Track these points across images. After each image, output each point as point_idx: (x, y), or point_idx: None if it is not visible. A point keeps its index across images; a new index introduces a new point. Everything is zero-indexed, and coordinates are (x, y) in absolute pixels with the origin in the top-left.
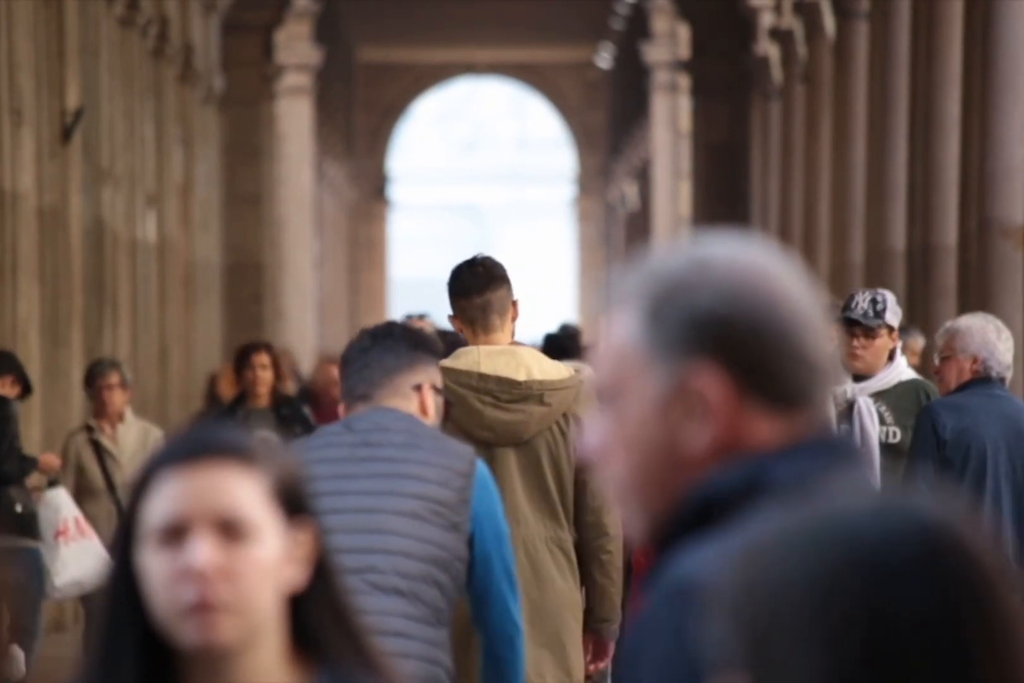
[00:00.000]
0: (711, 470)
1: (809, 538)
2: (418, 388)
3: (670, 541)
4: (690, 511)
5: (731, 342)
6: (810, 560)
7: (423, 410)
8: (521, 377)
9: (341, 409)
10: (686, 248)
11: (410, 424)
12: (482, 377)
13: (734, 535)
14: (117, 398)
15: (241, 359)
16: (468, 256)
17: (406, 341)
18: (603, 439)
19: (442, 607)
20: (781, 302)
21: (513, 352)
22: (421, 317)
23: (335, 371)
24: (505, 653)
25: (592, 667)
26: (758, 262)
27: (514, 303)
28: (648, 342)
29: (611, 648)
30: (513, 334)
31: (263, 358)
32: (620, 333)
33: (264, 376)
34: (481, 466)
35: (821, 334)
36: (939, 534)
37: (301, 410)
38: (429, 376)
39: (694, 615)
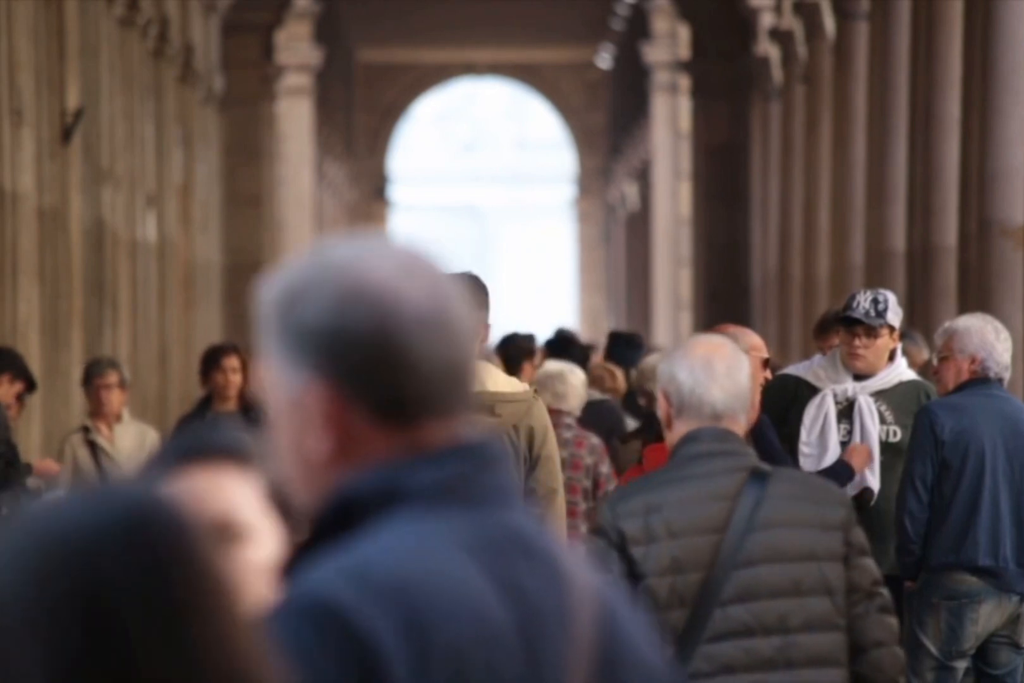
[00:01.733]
0: (346, 477)
1: (17, 535)
2: None
3: (314, 543)
4: (328, 515)
5: (339, 355)
6: (18, 557)
7: None
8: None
9: None
10: (314, 253)
11: None
12: None
13: (358, 547)
14: (114, 398)
15: (209, 361)
16: (457, 270)
17: None
18: (272, 440)
19: None
20: (391, 312)
21: None
22: None
23: None
24: None
25: None
26: (374, 270)
27: (486, 326)
28: (277, 353)
29: None
30: (479, 353)
31: (233, 361)
32: (266, 345)
33: (234, 379)
34: None
35: (445, 341)
36: (140, 511)
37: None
38: None
39: (311, 635)
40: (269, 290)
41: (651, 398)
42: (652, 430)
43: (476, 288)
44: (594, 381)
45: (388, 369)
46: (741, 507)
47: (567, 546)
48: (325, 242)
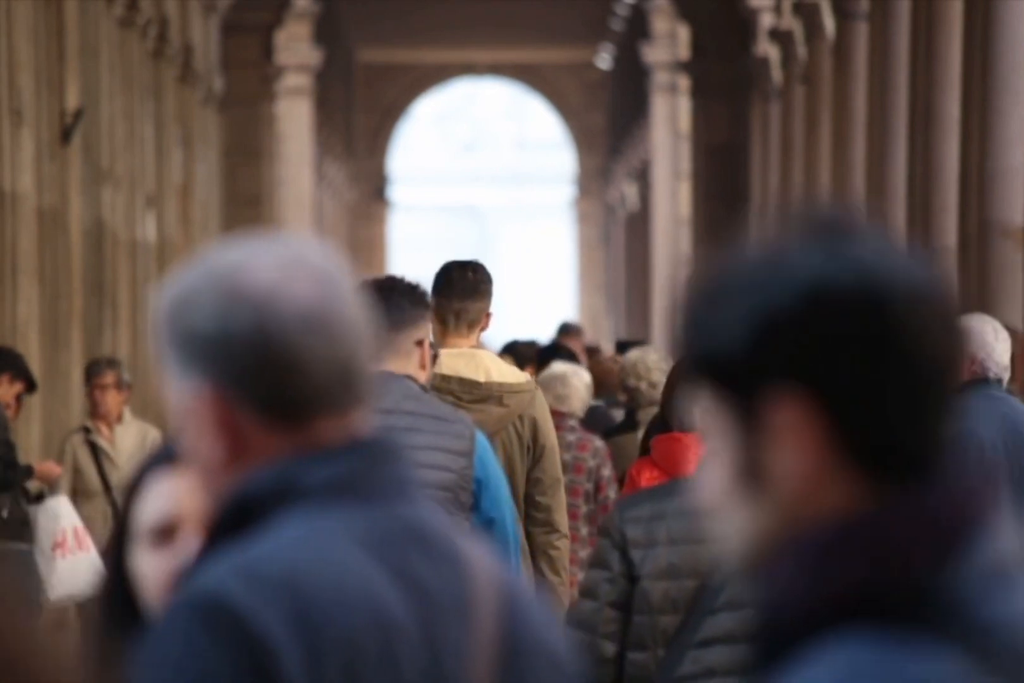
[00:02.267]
0: (242, 476)
1: None
2: (420, 343)
3: (213, 541)
4: (225, 516)
5: (224, 360)
6: None
7: (422, 365)
8: (481, 378)
9: None
10: (201, 260)
11: (411, 403)
12: (444, 378)
13: (252, 545)
14: (110, 398)
15: None
16: (465, 257)
17: (408, 297)
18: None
19: None
20: (273, 314)
21: (473, 354)
22: None
23: None
24: None
25: None
26: (256, 272)
27: (488, 315)
28: (169, 362)
29: None
30: (478, 341)
31: None
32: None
33: None
34: (480, 439)
35: (331, 340)
36: None
37: None
38: (426, 331)
39: (203, 632)
40: (160, 300)
41: (632, 394)
42: (633, 425)
43: (480, 276)
44: (605, 374)
45: (273, 370)
46: None
47: (468, 538)
48: (213, 249)
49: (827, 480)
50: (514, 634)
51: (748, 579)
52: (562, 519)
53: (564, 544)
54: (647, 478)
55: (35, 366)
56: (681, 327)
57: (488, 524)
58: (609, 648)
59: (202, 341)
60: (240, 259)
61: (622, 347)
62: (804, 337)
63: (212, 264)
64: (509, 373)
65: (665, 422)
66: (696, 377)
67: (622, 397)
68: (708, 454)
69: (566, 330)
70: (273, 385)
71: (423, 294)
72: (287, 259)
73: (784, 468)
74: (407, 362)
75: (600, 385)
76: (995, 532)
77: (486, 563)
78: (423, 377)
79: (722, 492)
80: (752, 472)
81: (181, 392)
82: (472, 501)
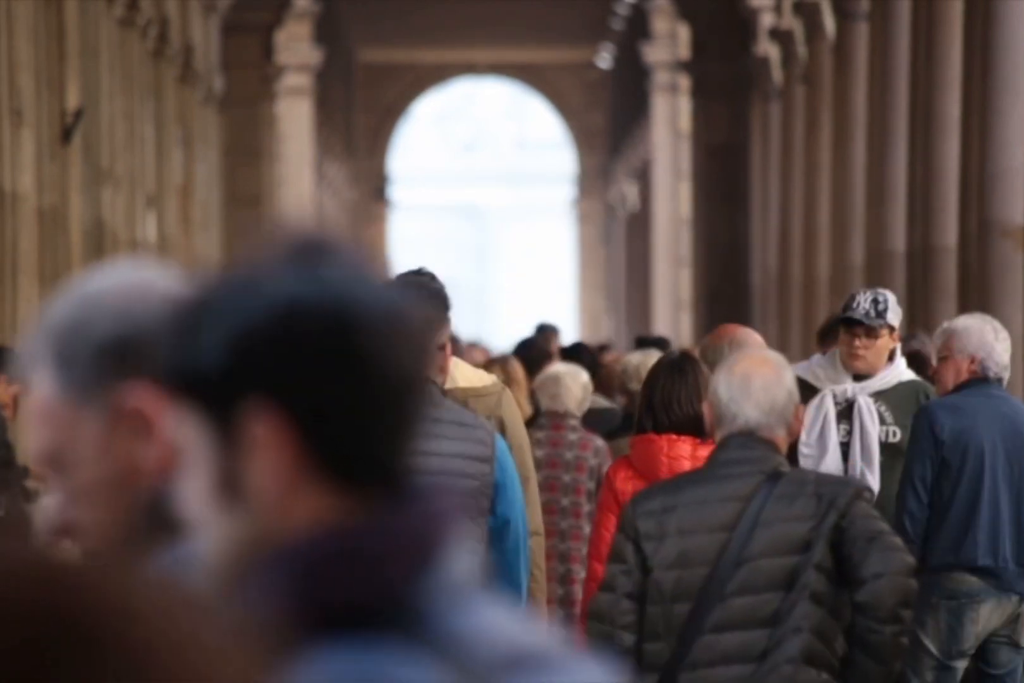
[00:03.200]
0: (168, 481)
1: None
2: (443, 347)
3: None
4: (145, 521)
5: (143, 356)
6: None
7: (441, 369)
8: (446, 385)
9: None
10: (70, 293)
11: (435, 410)
12: None
13: (181, 547)
14: None
15: None
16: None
17: (434, 300)
18: (65, 508)
19: None
20: (176, 300)
21: None
22: None
23: None
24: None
25: None
26: (142, 280)
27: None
28: (66, 389)
29: None
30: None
31: None
32: (39, 395)
33: None
34: (500, 442)
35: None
36: None
37: None
38: (447, 336)
39: None
40: (37, 336)
41: (631, 397)
42: (630, 427)
43: (438, 301)
44: (615, 377)
45: (195, 356)
46: (751, 507)
47: None
48: (66, 290)
49: (302, 493)
50: None
51: (227, 591)
52: (536, 517)
53: (538, 542)
54: (622, 478)
55: None
56: (164, 344)
57: (504, 525)
58: (627, 639)
59: (117, 347)
60: (120, 276)
61: (641, 343)
62: (274, 354)
63: (93, 286)
64: (475, 377)
65: (641, 423)
66: (174, 392)
67: (621, 400)
68: (185, 466)
69: (542, 330)
70: (192, 372)
71: (447, 299)
72: (142, 276)
73: (259, 480)
74: (430, 366)
75: (607, 386)
76: (453, 552)
77: None
78: (440, 381)
79: (200, 503)
80: (228, 484)
81: (96, 410)
82: (490, 505)
